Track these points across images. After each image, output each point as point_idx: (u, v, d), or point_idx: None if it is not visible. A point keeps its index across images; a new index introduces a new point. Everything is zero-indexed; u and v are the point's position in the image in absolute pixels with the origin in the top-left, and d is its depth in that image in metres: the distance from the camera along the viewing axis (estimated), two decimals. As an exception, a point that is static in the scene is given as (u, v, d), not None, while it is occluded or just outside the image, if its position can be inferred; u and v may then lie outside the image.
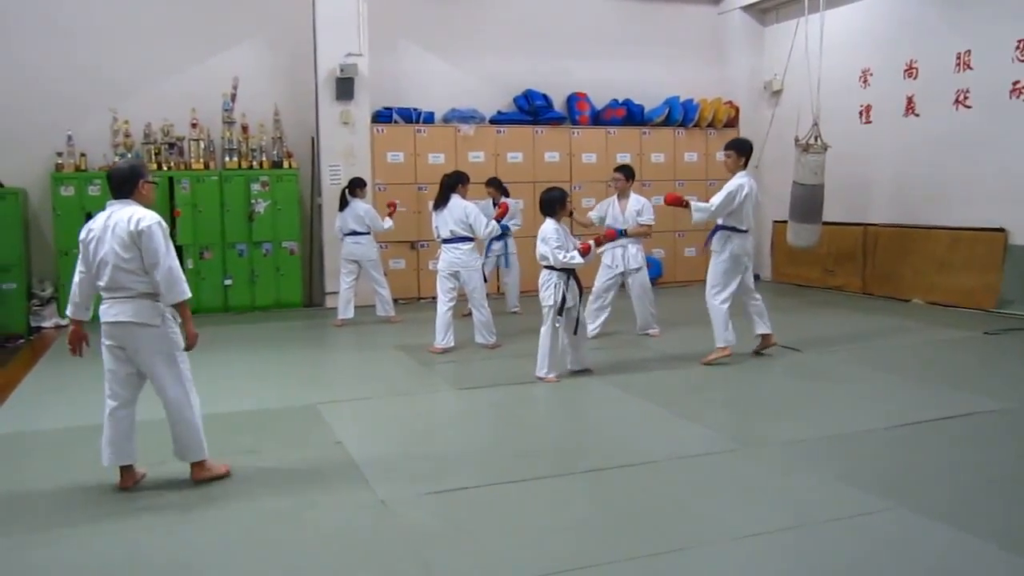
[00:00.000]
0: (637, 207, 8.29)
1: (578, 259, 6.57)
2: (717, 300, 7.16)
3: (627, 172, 8.47)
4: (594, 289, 8.31)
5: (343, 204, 9.60)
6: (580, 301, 6.82)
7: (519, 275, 10.03)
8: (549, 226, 6.66)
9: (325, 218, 10.81)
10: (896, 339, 8.27)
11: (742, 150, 7.26)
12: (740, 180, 7.08)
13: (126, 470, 4.51)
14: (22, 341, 9.22)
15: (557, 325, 6.68)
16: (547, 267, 6.67)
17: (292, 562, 3.61)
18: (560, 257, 6.53)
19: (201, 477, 4.50)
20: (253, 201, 10.50)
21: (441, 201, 8.10)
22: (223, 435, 5.27)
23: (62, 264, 9.89)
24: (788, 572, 3.49)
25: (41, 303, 9.98)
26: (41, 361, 7.97)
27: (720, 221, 7.17)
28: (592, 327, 8.05)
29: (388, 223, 9.57)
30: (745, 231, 7.17)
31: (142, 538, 3.89)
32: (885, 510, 4.02)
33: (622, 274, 8.27)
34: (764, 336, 7.47)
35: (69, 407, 6.26)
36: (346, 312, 9.56)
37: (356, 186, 9.61)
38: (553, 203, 6.75)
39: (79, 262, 4.51)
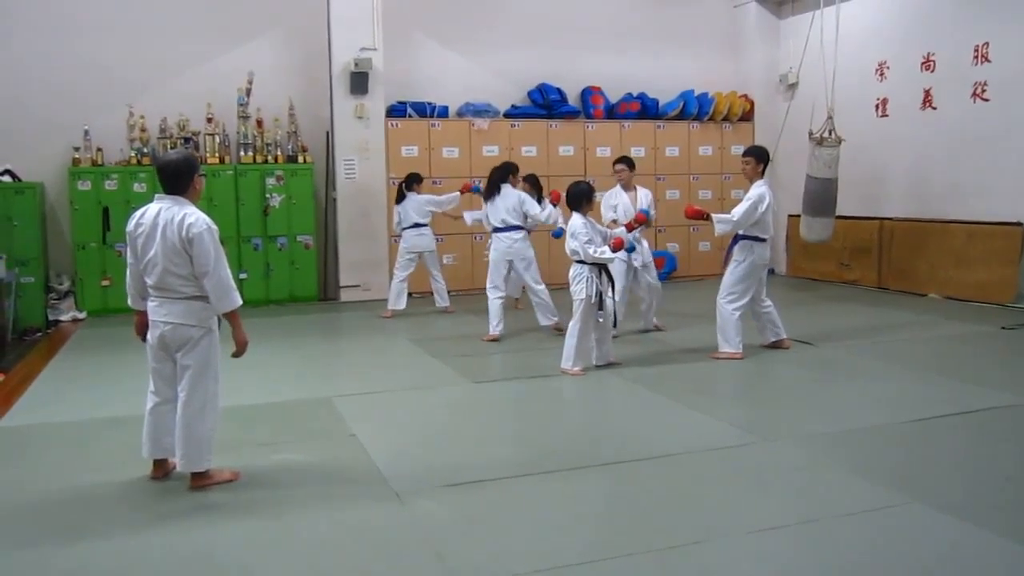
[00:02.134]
0: (646, 198, 8.22)
1: (608, 254, 6.59)
2: (730, 307, 7.14)
3: (629, 162, 8.40)
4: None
5: (400, 197, 9.72)
6: (613, 295, 6.86)
7: None
8: (577, 220, 6.67)
9: (340, 212, 10.84)
10: (912, 333, 8.23)
11: (761, 157, 7.26)
12: (760, 189, 7.07)
13: (159, 462, 4.52)
14: (40, 334, 9.29)
15: (600, 320, 6.71)
16: (578, 261, 6.68)
17: (306, 554, 3.63)
18: (590, 252, 6.53)
19: (200, 485, 4.36)
20: (268, 195, 10.54)
21: (491, 191, 8.25)
22: (238, 428, 5.32)
23: (79, 258, 9.98)
24: (802, 566, 3.49)
25: (58, 296, 10.05)
26: (59, 354, 8.03)
27: (741, 231, 7.16)
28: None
29: (453, 195, 9.69)
30: (765, 240, 7.18)
31: (160, 531, 3.92)
32: (899, 505, 4.01)
33: (634, 268, 8.22)
34: (777, 341, 7.50)
35: (87, 400, 6.32)
36: (397, 303, 9.63)
37: (414, 181, 9.74)
38: (580, 197, 6.76)
39: (128, 253, 4.40)
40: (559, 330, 7.97)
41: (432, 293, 9.95)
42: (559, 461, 4.71)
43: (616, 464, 4.68)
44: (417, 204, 9.59)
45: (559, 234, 8.23)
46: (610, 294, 6.79)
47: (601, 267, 6.67)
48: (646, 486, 4.38)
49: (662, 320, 8.49)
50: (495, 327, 8.12)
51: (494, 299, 8.14)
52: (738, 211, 7.05)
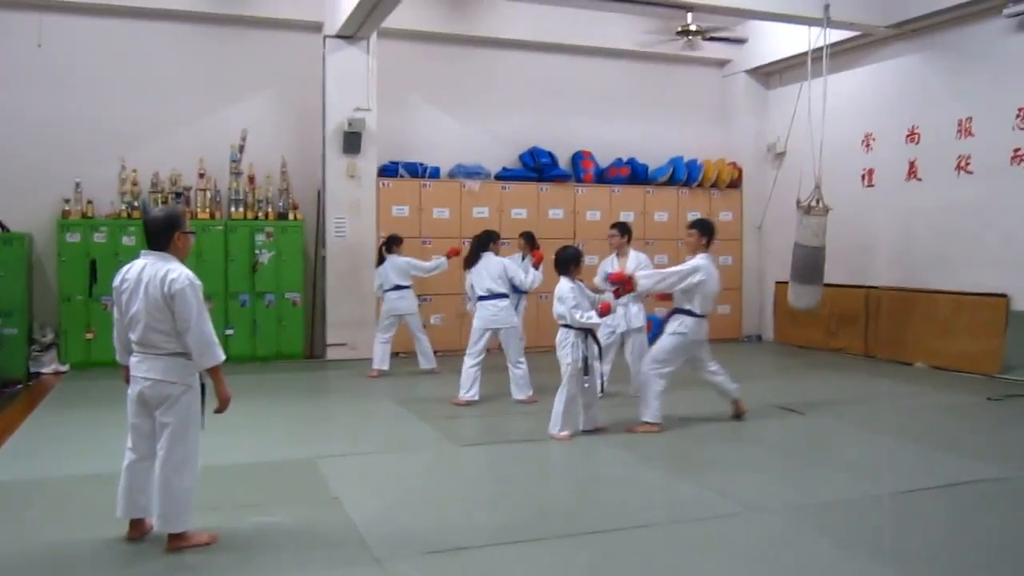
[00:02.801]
0: (635, 264, 8.11)
1: (595, 319, 6.58)
2: (655, 375, 6.88)
3: (622, 228, 8.36)
4: None
5: (380, 260, 9.71)
6: (600, 359, 6.79)
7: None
8: (565, 285, 6.66)
9: (329, 270, 10.84)
10: (898, 403, 8.22)
11: (705, 231, 7.06)
12: (698, 262, 6.87)
13: (136, 522, 4.44)
14: (20, 386, 9.18)
15: (586, 385, 6.64)
16: (564, 326, 6.66)
17: (284, 621, 3.56)
18: (577, 317, 6.52)
19: (176, 547, 4.27)
20: (257, 252, 10.54)
21: (473, 259, 8.24)
22: (219, 488, 5.23)
23: (64, 310, 9.92)
24: (789, 643, 3.42)
25: (41, 349, 9.97)
26: (39, 407, 7.93)
27: (676, 303, 7.00)
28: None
29: (437, 260, 9.58)
30: (701, 316, 6.94)
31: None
32: (888, 580, 3.96)
33: (623, 333, 8.16)
34: (735, 402, 7.31)
35: (67, 455, 6.23)
36: (382, 364, 9.63)
37: (394, 243, 9.74)
38: (568, 261, 6.75)
39: (114, 308, 4.42)
40: (531, 402, 7.95)
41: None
42: (543, 529, 4.64)
43: (601, 533, 4.61)
44: (397, 266, 9.56)
45: None
46: (597, 358, 6.76)
47: (588, 331, 6.66)
48: (631, 556, 4.31)
49: None
50: (465, 392, 8.01)
51: (470, 366, 8.04)
52: (665, 271, 6.96)
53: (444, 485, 5.69)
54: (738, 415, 7.32)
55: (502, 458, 6.29)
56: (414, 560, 4.18)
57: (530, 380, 8.09)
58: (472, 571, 4.10)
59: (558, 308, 6.62)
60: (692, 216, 12.73)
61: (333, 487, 5.40)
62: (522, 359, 8.11)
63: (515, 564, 4.18)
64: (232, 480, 5.54)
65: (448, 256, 9.64)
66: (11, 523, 4.78)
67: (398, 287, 9.54)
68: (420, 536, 4.51)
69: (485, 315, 8.08)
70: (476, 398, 8.02)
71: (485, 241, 8.33)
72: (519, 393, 8.04)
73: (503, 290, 8.08)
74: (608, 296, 7.09)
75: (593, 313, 6.59)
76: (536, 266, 8.37)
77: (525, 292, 8.64)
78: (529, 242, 9.58)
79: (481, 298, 8.13)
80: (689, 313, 6.94)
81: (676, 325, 6.96)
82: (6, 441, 6.65)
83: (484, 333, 8.08)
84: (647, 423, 6.91)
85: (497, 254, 8.33)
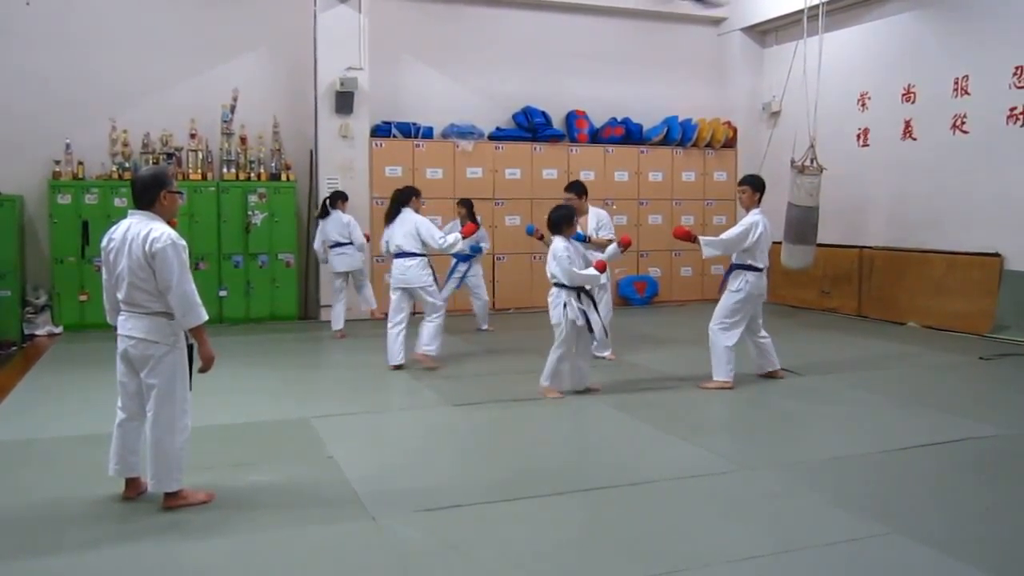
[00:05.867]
0: (595, 223, 7.95)
1: (592, 272, 6.57)
2: (722, 337, 7.02)
3: (577, 189, 8.13)
4: None
5: (323, 214, 9.65)
6: (597, 313, 6.74)
7: (486, 294, 10.01)
8: (559, 244, 6.64)
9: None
10: (891, 363, 8.26)
11: (757, 186, 7.24)
12: (755, 217, 7.04)
13: (131, 481, 4.47)
14: (15, 348, 9.18)
15: (595, 343, 6.69)
16: (557, 285, 6.64)
17: (277, 574, 3.59)
18: (576, 271, 6.51)
19: (173, 505, 4.30)
20: (250, 213, 10.49)
21: (392, 215, 8.04)
22: (215, 447, 5.25)
23: (57, 272, 9.88)
24: (781, 596, 3.46)
25: (35, 311, 9.95)
26: (33, 369, 7.93)
27: (735, 259, 7.12)
28: None
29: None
30: (761, 269, 7.09)
31: (129, 548, 3.85)
32: (879, 535, 3.99)
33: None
34: (771, 372, 7.41)
35: (62, 415, 6.25)
36: (340, 323, 9.68)
37: (339, 199, 9.70)
38: (561, 221, 6.73)
39: (103, 269, 4.41)
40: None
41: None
42: (537, 487, 4.67)
43: (594, 490, 4.65)
44: (339, 222, 9.48)
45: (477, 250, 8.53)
46: (594, 309, 6.74)
47: (579, 290, 6.65)
48: (624, 513, 4.35)
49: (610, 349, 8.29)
50: (394, 359, 7.88)
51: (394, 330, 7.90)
52: (728, 233, 7.07)
53: (438, 444, 5.73)
54: (771, 377, 7.41)
55: (496, 417, 6.32)
56: (409, 517, 4.21)
57: (440, 336, 8.01)
58: (466, 528, 4.12)
59: (551, 266, 6.62)
60: (687, 176, 12.78)
61: (328, 446, 5.43)
62: (438, 315, 7.97)
63: (509, 521, 4.22)
64: (227, 440, 5.56)
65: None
66: (7, 482, 4.80)
67: (339, 244, 9.47)
68: (415, 494, 4.54)
69: (396, 274, 7.90)
70: (403, 362, 7.89)
71: (406, 197, 8.10)
72: (427, 345, 7.89)
73: (414, 249, 7.84)
74: (612, 251, 7.11)
75: (591, 268, 6.59)
76: (465, 235, 8.26)
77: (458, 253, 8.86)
78: (469, 210, 9.50)
79: (395, 256, 7.93)
80: (750, 268, 7.06)
81: (738, 282, 7.06)
82: (1, 402, 6.66)
83: (397, 292, 7.90)
84: (719, 381, 7.02)
85: (417, 211, 8.09)
